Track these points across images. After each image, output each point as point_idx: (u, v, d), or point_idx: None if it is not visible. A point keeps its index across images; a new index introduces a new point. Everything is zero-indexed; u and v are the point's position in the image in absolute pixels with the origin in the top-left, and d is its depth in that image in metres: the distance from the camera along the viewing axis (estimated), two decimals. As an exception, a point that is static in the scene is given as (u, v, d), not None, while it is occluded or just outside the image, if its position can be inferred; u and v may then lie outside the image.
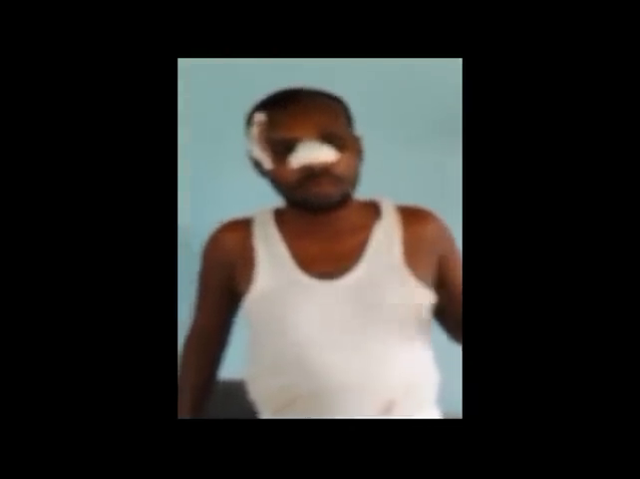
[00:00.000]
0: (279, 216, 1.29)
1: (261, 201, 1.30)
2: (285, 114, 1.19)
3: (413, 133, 1.80)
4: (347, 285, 1.21)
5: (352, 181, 1.23)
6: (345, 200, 1.23)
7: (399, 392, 1.20)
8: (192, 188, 1.72)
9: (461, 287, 1.27)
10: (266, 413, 1.27)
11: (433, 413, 1.30)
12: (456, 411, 1.13)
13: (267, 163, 1.20)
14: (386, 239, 1.24)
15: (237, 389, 1.34)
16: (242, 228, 1.29)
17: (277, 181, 1.22)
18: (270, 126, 1.19)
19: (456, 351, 1.21)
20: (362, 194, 1.30)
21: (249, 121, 1.23)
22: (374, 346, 1.20)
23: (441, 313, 1.29)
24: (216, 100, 1.75)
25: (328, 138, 1.17)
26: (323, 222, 1.24)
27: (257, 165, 1.24)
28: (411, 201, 1.30)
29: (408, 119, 1.80)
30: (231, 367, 1.39)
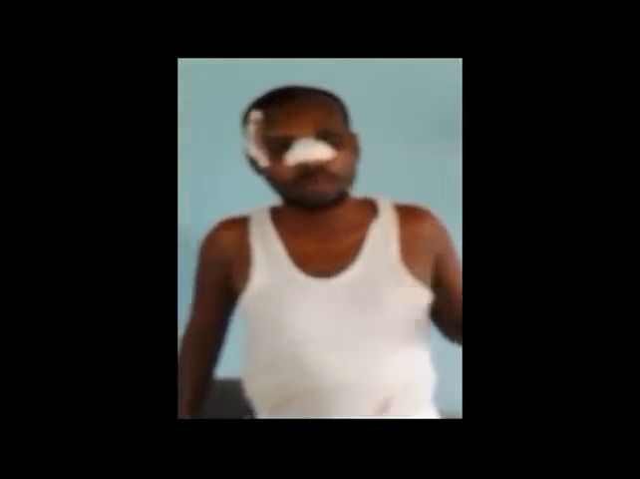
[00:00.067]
0: (276, 214, 1.29)
1: (261, 200, 1.30)
2: (281, 111, 1.18)
3: (413, 133, 1.80)
4: (343, 284, 1.21)
5: (348, 178, 1.23)
6: (342, 197, 1.23)
7: (395, 391, 1.20)
8: (192, 187, 1.72)
9: (457, 287, 1.28)
10: (263, 412, 1.27)
11: (429, 413, 1.30)
12: (456, 411, 1.13)
13: (263, 161, 1.20)
14: (383, 237, 1.24)
15: (234, 388, 1.34)
16: (239, 226, 1.29)
17: (273, 178, 1.21)
18: (266, 124, 1.19)
19: (455, 351, 1.21)
20: (362, 194, 1.30)
21: (245, 119, 1.23)
22: (370, 345, 1.19)
23: (436, 313, 1.29)
24: (216, 100, 1.75)
25: (324, 135, 1.17)
26: (320, 220, 1.24)
27: (253, 163, 1.24)
28: (411, 200, 1.30)
29: (408, 119, 1.80)
30: (228, 366, 1.39)
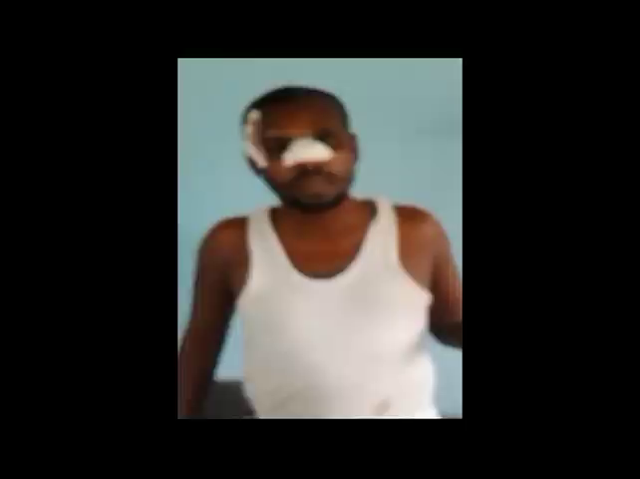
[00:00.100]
0: (275, 215, 1.29)
1: (261, 201, 1.30)
2: (279, 112, 1.18)
3: (413, 133, 1.80)
4: (342, 285, 1.20)
5: (347, 179, 1.22)
6: (340, 199, 1.22)
7: (394, 392, 1.20)
8: (192, 188, 1.72)
9: (452, 289, 1.29)
10: (262, 412, 1.27)
11: (429, 413, 1.30)
12: (456, 411, 1.13)
13: (261, 161, 1.19)
14: (381, 238, 1.24)
15: (234, 388, 1.34)
16: (238, 226, 1.29)
17: (271, 179, 1.21)
18: (264, 124, 1.18)
19: (456, 352, 1.21)
20: (362, 194, 1.30)
21: (244, 119, 1.23)
22: (369, 346, 1.19)
23: (430, 315, 1.29)
24: (216, 100, 1.75)
25: (322, 136, 1.16)
26: (318, 221, 1.24)
27: (252, 163, 1.23)
28: (411, 201, 1.30)
29: (408, 119, 1.80)
30: (228, 366, 1.39)
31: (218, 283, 1.30)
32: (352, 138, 1.24)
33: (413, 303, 1.24)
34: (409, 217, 1.27)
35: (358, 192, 1.28)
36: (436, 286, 1.27)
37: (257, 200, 1.29)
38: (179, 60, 1.05)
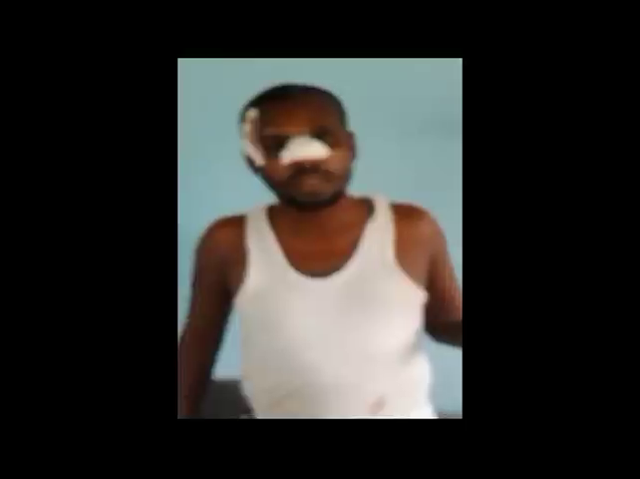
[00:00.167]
0: (272, 213, 1.29)
1: (258, 200, 1.30)
2: (276, 110, 1.18)
3: (413, 133, 1.80)
4: (339, 283, 1.20)
5: (344, 177, 1.22)
6: (337, 197, 1.22)
7: (390, 390, 1.21)
8: (192, 188, 1.72)
9: (448, 287, 1.29)
10: (260, 409, 1.27)
11: (425, 412, 1.30)
12: (456, 411, 1.13)
13: (259, 159, 1.19)
14: (378, 236, 1.24)
15: (232, 387, 1.34)
16: (235, 225, 1.29)
17: (269, 177, 1.21)
18: (262, 122, 1.18)
19: (455, 351, 1.21)
20: (362, 194, 1.30)
21: (242, 118, 1.23)
22: (365, 344, 1.19)
23: (426, 313, 1.29)
24: (216, 100, 1.75)
25: (319, 134, 1.16)
26: (316, 219, 1.24)
27: (250, 162, 1.23)
28: (411, 200, 1.30)
29: (408, 119, 1.80)
30: (227, 365, 1.39)
31: (216, 282, 1.30)
32: (349, 136, 1.24)
33: (409, 301, 1.24)
34: (406, 214, 1.27)
35: (358, 192, 1.28)
36: (431, 285, 1.28)
37: (256, 199, 1.29)
38: (179, 60, 1.05)
